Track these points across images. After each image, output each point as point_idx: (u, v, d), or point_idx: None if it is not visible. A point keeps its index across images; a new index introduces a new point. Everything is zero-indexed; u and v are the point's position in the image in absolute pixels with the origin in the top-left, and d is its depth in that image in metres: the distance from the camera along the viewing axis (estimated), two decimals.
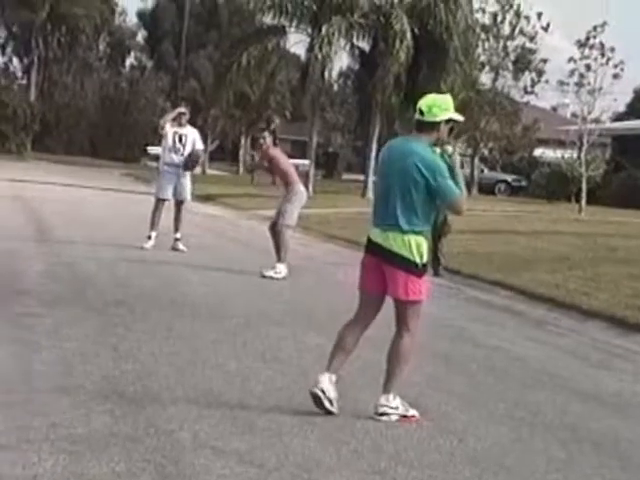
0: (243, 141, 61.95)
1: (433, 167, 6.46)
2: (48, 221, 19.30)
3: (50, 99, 70.11)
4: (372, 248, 6.65)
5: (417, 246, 6.48)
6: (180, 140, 15.69)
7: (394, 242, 6.50)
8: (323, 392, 6.48)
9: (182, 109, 16.29)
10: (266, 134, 13.97)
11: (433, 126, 6.55)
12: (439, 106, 6.58)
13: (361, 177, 42.28)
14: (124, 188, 34.68)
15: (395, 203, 6.52)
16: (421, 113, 6.56)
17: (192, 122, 16.43)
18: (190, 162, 15.75)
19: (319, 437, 5.97)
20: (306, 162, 38.00)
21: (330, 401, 6.48)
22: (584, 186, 33.14)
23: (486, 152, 51.15)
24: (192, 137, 15.87)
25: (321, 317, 10.40)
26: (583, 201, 32.63)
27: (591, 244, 19.52)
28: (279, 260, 13.28)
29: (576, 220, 27.90)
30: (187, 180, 15.95)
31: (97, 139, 68.57)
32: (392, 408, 6.51)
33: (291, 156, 40.87)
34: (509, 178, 51.75)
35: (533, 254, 17.62)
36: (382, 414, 6.49)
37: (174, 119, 15.90)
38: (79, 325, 8.74)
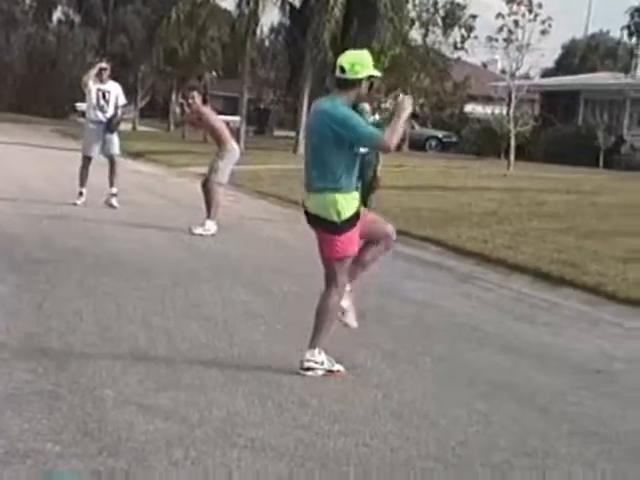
0: (174, 97, 61.34)
1: (340, 118, 6.39)
2: None
3: None
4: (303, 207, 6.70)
5: (333, 204, 6.45)
6: (104, 97, 15.61)
7: (313, 203, 6.56)
8: None
9: (103, 64, 16.08)
10: (195, 93, 13.95)
11: (355, 83, 6.51)
12: (360, 63, 6.52)
13: (292, 133, 42.18)
14: (52, 144, 34.23)
15: (312, 164, 6.55)
16: (342, 70, 6.50)
17: (121, 78, 16.22)
18: (112, 125, 15.66)
19: (244, 393, 5.98)
20: (237, 118, 37.83)
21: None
22: (513, 142, 33.37)
23: (417, 108, 51.25)
24: (115, 93, 15.76)
25: (248, 274, 10.41)
26: (512, 157, 32.87)
27: (519, 199, 19.73)
28: (208, 217, 13.25)
29: (504, 176, 28.13)
30: (114, 135, 15.81)
31: (24, 95, 67.43)
32: (317, 363, 6.55)
33: (222, 112, 40.61)
34: (440, 134, 51.95)
35: (462, 210, 17.76)
36: (307, 369, 6.53)
37: (96, 75, 15.72)
38: (2, 283, 8.65)
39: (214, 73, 55.94)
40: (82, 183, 15.54)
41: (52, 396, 5.55)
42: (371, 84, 6.61)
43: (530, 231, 14.89)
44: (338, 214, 6.47)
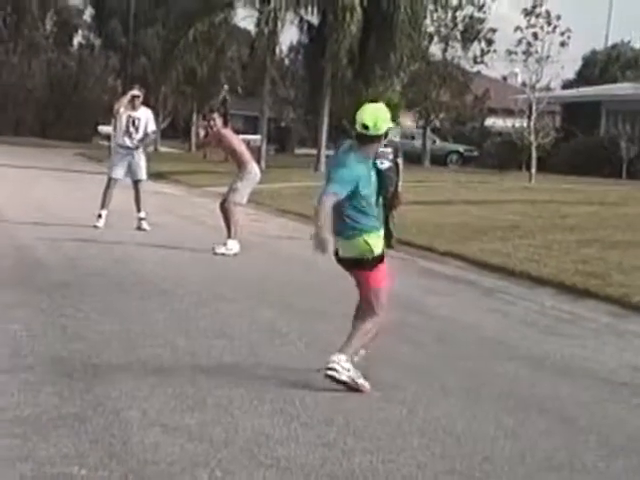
0: (194, 118, 61.60)
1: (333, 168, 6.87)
2: None
3: None
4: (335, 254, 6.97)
5: (364, 245, 6.77)
6: (133, 123, 15.82)
7: (345, 248, 6.86)
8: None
9: (136, 92, 16.17)
10: (215, 115, 14.02)
11: (378, 138, 6.78)
12: (383, 119, 6.75)
13: (314, 151, 42.22)
14: (76, 168, 34.43)
15: (340, 212, 6.76)
16: (365, 127, 6.70)
17: (144, 101, 16.36)
18: (138, 143, 15.81)
19: (269, 412, 5.99)
20: (257, 137, 37.91)
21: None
22: (534, 154, 33.33)
23: (437, 123, 51.24)
24: (145, 120, 15.93)
25: (271, 292, 10.42)
26: (533, 169, 32.82)
27: (541, 212, 19.67)
28: (229, 237, 13.27)
29: (526, 188, 28.07)
30: (142, 160, 15.99)
31: (47, 119, 67.86)
32: (343, 368, 6.55)
33: (243, 132, 40.73)
34: (461, 148, 51.90)
35: (484, 223, 17.72)
36: (332, 369, 6.51)
37: (129, 102, 15.89)
38: (27, 307, 8.69)
39: (226, 87, 56.04)
40: (103, 205, 15.63)
41: (78, 419, 5.57)
42: (386, 133, 6.87)
43: (553, 243, 14.84)
44: (371, 252, 6.77)
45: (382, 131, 6.74)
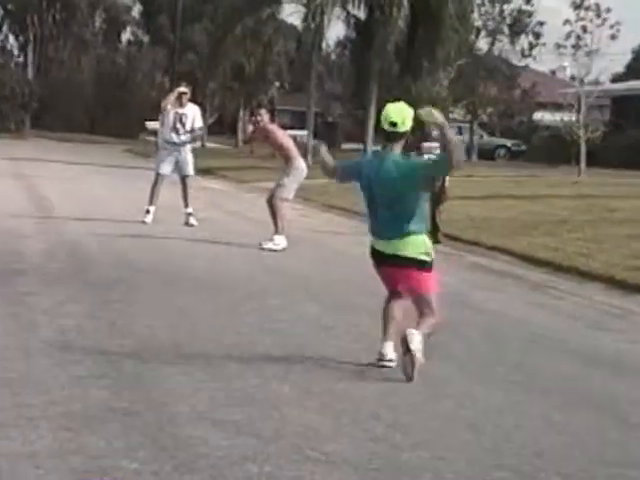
0: (241, 114, 61.77)
1: (413, 167, 7.17)
2: (48, 199, 19.29)
3: (47, 76, 69.94)
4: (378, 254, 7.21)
5: (423, 245, 7.07)
6: (180, 120, 15.86)
7: (397, 247, 7.05)
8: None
9: (183, 89, 16.22)
10: (263, 111, 14.06)
11: (405, 134, 7.09)
12: (409, 117, 7.06)
13: (360, 146, 42.18)
14: (124, 164, 34.67)
15: (395, 214, 7.03)
16: (394, 125, 7.01)
17: (192, 97, 16.44)
18: (186, 139, 15.90)
19: (317, 407, 6.00)
20: (304, 133, 37.93)
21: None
22: (583, 149, 33.04)
23: (485, 117, 50.98)
24: (192, 116, 15.98)
25: (318, 287, 10.44)
26: (582, 164, 32.54)
27: (590, 206, 19.51)
28: (276, 232, 13.29)
29: (575, 183, 27.84)
30: (188, 155, 16.07)
31: (95, 115, 68.41)
32: (418, 340, 6.73)
33: (290, 127, 40.72)
34: (508, 143, 51.60)
35: (532, 218, 17.62)
36: (411, 334, 6.71)
37: (176, 99, 15.96)
38: (77, 302, 8.77)
39: (276, 83, 56.21)
40: (151, 201, 15.73)
41: (127, 413, 5.61)
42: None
43: (603, 238, 14.72)
44: (427, 254, 7.02)
45: (408, 127, 7.04)
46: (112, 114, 67.26)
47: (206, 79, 56.51)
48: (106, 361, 6.77)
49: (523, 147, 50.45)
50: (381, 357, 6.99)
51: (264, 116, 13.89)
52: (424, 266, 7.01)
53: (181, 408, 5.77)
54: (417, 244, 7.00)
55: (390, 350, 6.97)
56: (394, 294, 7.21)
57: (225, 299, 9.36)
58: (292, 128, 41.49)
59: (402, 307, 7.20)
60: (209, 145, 54.98)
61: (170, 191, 16.15)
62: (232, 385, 6.34)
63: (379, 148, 7.43)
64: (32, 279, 9.90)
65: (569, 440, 5.68)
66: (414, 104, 7.46)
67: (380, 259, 7.19)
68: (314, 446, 5.25)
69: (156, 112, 16.66)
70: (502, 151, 51.12)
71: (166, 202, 15.93)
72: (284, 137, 14.02)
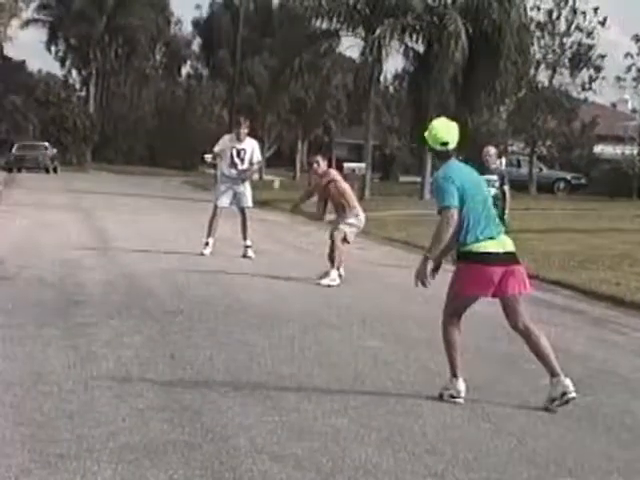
0: (300, 146, 62.11)
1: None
2: (108, 231, 19.51)
3: (108, 110, 70.98)
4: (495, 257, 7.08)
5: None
6: (238, 155, 15.95)
7: (510, 243, 7.16)
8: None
9: (244, 125, 16.27)
10: (319, 157, 13.77)
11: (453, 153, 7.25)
12: (457, 132, 7.24)
13: (418, 179, 42.15)
14: (183, 196, 34.95)
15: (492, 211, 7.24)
16: (445, 144, 7.14)
17: (250, 131, 16.53)
18: (244, 174, 15.97)
19: (376, 441, 5.96)
20: (362, 165, 37.99)
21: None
22: None
23: (544, 150, 50.69)
24: (250, 150, 16.05)
25: (376, 320, 10.39)
26: None
27: None
28: (333, 267, 13.15)
29: (637, 217, 27.55)
30: (247, 188, 16.14)
31: (155, 148, 69.24)
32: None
33: (347, 159, 40.84)
34: (568, 176, 51.21)
35: (593, 252, 17.44)
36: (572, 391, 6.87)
37: (235, 133, 16.06)
38: (137, 334, 8.84)
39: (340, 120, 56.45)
40: (209, 233, 15.81)
41: (187, 446, 5.62)
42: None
43: None
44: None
45: (455, 144, 7.17)
46: (171, 147, 68.06)
47: (264, 112, 56.94)
48: (166, 393, 6.80)
49: (583, 180, 50.04)
50: (457, 394, 6.97)
51: (321, 162, 13.60)
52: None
53: (240, 441, 5.77)
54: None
55: (463, 387, 6.98)
56: (457, 317, 7.18)
57: (283, 332, 9.36)
58: (350, 161, 41.58)
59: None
60: (267, 177, 55.25)
61: (228, 224, 16.23)
62: (290, 418, 6.33)
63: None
64: (92, 310, 10.00)
65: (633, 479, 5.58)
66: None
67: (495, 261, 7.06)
68: None
69: (215, 145, 16.71)
70: (562, 184, 50.72)
71: (225, 235, 16.02)
72: (345, 184, 13.75)
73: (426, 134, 7.22)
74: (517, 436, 6.25)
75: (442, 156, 7.21)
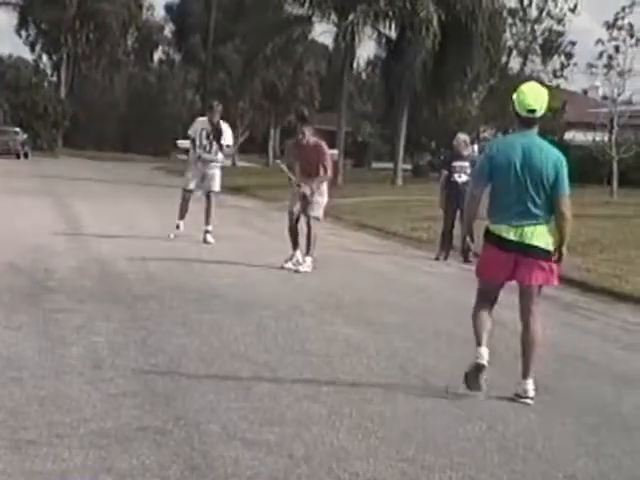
0: (272, 133, 62.01)
1: (562, 161, 7.02)
2: (79, 217, 19.42)
3: (80, 95, 70.54)
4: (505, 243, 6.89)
5: (548, 234, 6.97)
6: (208, 137, 16.02)
7: (531, 234, 6.86)
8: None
9: (216, 106, 16.43)
10: (305, 128, 13.69)
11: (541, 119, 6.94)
12: (545, 99, 6.88)
13: (390, 165, 42.21)
14: (155, 182, 34.85)
15: (534, 198, 6.85)
16: (532, 111, 6.80)
17: (223, 116, 16.59)
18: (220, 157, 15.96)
19: (348, 427, 5.97)
20: (335, 152, 37.95)
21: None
22: (615, 169, 32.89)
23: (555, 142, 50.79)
24: (222, 134, 16.15)
25: (349, 307, 10.41)
26: (614, 184, 32.39)
27: (622, 227, 19.39)
28: (308, 254, 13.15)
29: (607, 203, 27.71)
30: (216, 172, 16.12)
31: (127, 134, 68.95)
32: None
33: None
34: None
35: None
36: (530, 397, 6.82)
37: (208, 117, 16.15)
38: (108, 320, 8.80)
39: (312, 106, 56.45)
40: (180, 217, 15.90)
41: (159, 431, 5.62)
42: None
43: (635, 259, 14.63)
44: (550, 244, 6.95)
45: (544, 111, 6.84)
46: (143, 132, 67.80)
47: (237, 97, 56.79)
48: (137, 379, 6.78)
49: None
50: (479, 356, 6.85)
51: (306, 132, 13.33)
52: (549, 256, 6.95)
53: (212, 427, 5.76)
54: (545, 233, 6.96)
55: (487, 352, 6.87)
56: (488, 303, 7.10)
57: (255, 318, 9.36)
58: None
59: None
60: (240, 164, 55.16)
61: (202, 211, 16.20)
62: (263, 404, 6.33)
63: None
64: (63, 296, 9.95)
65: (603, 464, 5.63)
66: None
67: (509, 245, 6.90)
68: (345, 466, 5.23)
69: (187, 130, 16.74)
70: None
71: (198, 221, 15.96)
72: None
73: (513, 97, 6.88)
74: (487, 421, 6.28)
75: (525, 123, 6.86)
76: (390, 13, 37.63)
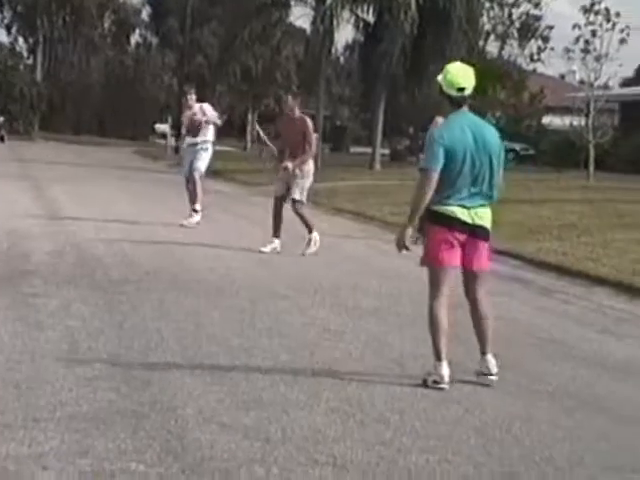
0: (250, 116, 61.85)
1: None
2: (57, 201, 19.33)
3: (56, 78, 70.10)
4: (459, 225, 6.74)
5: (491, 215, 6.90)
6: (192, 121, 16.21)
7: (483, 216, 6.80)
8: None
9: (186, 89, 16.78)
10: (290, 96, 13.66)
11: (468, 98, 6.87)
12: (473, 77, 6.83)
13: (368, 150, 42.20)
14: (132, 165, 34.72)
15: (487, 180, 6.76)
16: (461, 90, 6.74)
17: (200, 98, 16.84)
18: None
19: (325, 410, 5.98)
20: (315, 135, 37.91)
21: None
22: (592, 153, 33.02)
23: (493, 121, 50.90)
24: (201, 112, 16.30)
25: (326, 291, 10.41)
26: (591, 168, 32.52)
27: (599, 211, 19.47)
28: (310, 233, 13.24)
29: (584, 187, 27.80)
30: (202, 153, 16.21)
31: (104, 117, 68.62)
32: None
33: None
34: (517, 147, 51.46)
35: (541, 222, 17.59)
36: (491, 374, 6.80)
37: (185, 103, 16.57)
38: (85, 304, 8.77)
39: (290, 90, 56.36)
40: (193, 200, 15.98)
41: (135, 415, 5.60)
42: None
43: (612, 243, 14.69)
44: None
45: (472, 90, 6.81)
46: (121, 116, 67.49)
47: (214, 81, 56.58)
48: (114, 363, 6.76)
49: (531, 151, 50.32)
50: (440, 379, 6.64)
51: (295, 107, 13.36)
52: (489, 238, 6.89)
53: (189, 411, 5.76)
54: (490, 215, 6.89)
55: (447, 371, 6.67)
56: (443, 295, 6.82)
57: (232, 302, 9.36)
58: None
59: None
60: (218, 148, 54.92)
61: (183, 195, 16.18)
62: (240, 388, 6.33)
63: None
64: (39, 281, 9.90)
65: (578, 445, 5.66)
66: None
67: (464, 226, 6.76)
68: (322, 449, 5.24)
69: (165, 114, 16.84)
70: (510, 155, 50.90)
71: (177, 205, 15.93)
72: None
73: (439, 78, 6.79)
74: (464, 405, 6.30)
75: (456, 102, 6.76)
76: None
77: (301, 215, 13.32)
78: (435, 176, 6.65)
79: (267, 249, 13.05)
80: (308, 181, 13.39)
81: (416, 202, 6.72)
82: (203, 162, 16.24)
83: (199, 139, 16.16)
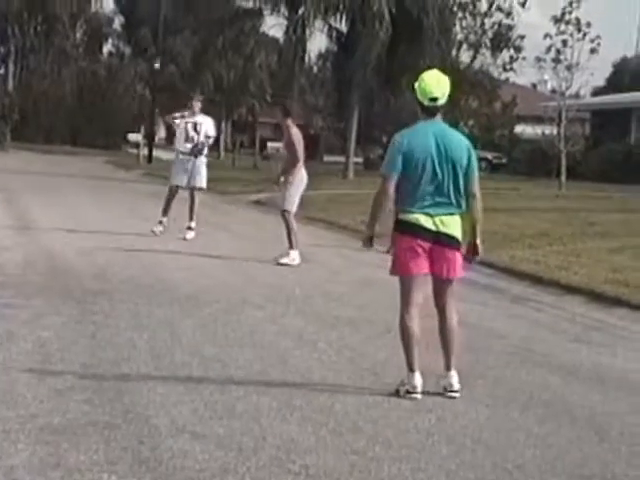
0: (223, 126, 61.71)
1: (470, 147, 6.89)
2: (29, 211, 19.21)
3: (28, 88, 69.69)
4: (423, 232, 6.72)
5: (460, 224, 6.84)
6: (194, 128, 15.85)
7: (449, 224, 6.74)
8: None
9: (197, 98, 16.41)
10: (288, 119, 13.71)
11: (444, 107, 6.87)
12: (447, 86, 6.83)
13: (342, 159, 42.23)
14: (105, 175, 34.58)
15: (451, 188, 6.71)
16: (434, 100, 6.74)
17: (172, 108, 16.52)
18: (195, 150, 15.82)
19: (298, 419, 5.99)
20: None
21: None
22: (563, 162, 33.18)
23: (466, 130, 51.08)
24: (206, 124, 16.05)
25: (300, 300, 10.41)
26: (563, 177, 32.68)
27: (571, 220, 19.58)
28: (291, 247, 13.23)
29: (556, 196, 27.95)
30: (202, 168, 16.00)
31: (77, 127, 68.23)
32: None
33: (272, 139, 40.52)
34: (489, 155, 51.68)
35: (513, 231, 17.64)
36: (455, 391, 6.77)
37: (189, 108, 16.02)
38: (57, 314, 8.74)
39: (263, 99, 56.36)
40: (164, 212, 15.73)
41: (108, 426, 5.59)
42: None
43: (583, 251, 14.77)
44: (463, 234, 6.83)
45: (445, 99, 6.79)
46: (93, 126, 67.14)
47: (187, 90, 56.41)
48: (86, 373, 6.74)
49: (504, 160, 50.55)
50: (413, 389, 6.64)
51: (288, 121, 13.56)
52: (459, 247, 6.86)
53: (161, 421, 5.75)
54: (459, 223, 6.84)
55: (420, 382, 6.68)
56: (413, 305, 6.80)
57: (206, 311, 9.34)
58: (274, 140, 41.51)
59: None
60: None
61: (154, 202, 16.09)
62: (213, 398, 6.32)
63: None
64: (11, 291, 9.85)
65: (550, 454, 5.69)
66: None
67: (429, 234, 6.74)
68: (294, 459, 5.24)
69: (137, 124, 16.68)
70: (483, 164, 51.10)
71: (151, 214, 15.86)
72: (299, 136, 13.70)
73: (415, 86, 6.80)
74: (437, 414, 6.32)
75: (429, 112, 6.77)
76: (341, 6, 37.62)
77: (288, 228, 13.33)
78: (391, 182, 6.71)
79: (285, 260, 13.10)
80: (294, 189, 13.44)
81: (373, 207, 6.85)
82: (205, 178, 16.09)
83: (196, 145, 15.83)
